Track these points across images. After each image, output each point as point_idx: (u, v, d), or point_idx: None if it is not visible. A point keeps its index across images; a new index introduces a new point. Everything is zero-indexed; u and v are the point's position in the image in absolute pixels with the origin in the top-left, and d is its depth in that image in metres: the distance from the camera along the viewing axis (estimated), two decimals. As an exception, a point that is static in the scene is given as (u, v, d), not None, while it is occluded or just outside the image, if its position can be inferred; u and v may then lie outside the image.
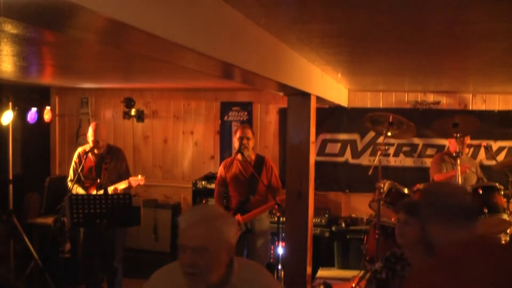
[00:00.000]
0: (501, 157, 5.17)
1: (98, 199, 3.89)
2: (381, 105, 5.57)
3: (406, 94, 5.53)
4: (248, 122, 5.75)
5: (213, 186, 4.91)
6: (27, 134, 5.79)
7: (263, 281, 1.91)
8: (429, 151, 5.40)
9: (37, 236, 5.27)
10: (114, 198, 3.94)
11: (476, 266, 1.48)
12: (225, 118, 5.94)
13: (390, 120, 4.19)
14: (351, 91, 5.62)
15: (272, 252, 4.90)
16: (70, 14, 1.15)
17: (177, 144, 6.13)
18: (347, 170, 5.63)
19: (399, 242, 2.42)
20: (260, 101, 5.83)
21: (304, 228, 3.68)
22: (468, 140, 4.52)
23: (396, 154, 5.51)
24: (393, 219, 4.05)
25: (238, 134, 4.38)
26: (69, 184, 4.50)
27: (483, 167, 5.03)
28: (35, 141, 6.10)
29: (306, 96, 3.60)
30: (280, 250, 4.18)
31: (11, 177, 4.93)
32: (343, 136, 5.64)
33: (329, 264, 5.22)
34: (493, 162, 4.79)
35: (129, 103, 5.86)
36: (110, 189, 4.34)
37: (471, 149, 5.09)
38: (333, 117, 5.61)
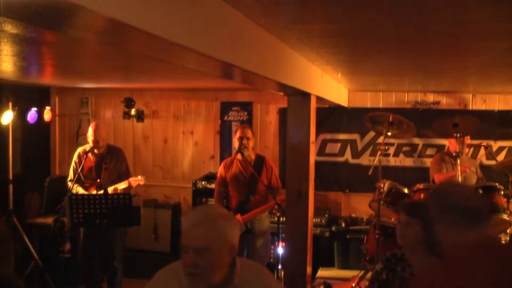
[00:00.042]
0: (501, 157, 5.17)
1: (98, 199, 3.89)
2: (381, 105, 5.57)
3: (406, 94, 5.53)
4: (248, 122, 5.75)
5: (213, 186, 4.91)
6: (27, 134, 5.79)
7: (264, 281, 1.91)
8: (429, 151, 5.40)
9: (37, 236, 5.27)
10: (114, 198, 3.94)
11: (478, 267, 1.48)
12: (225, 118, 5.94)
13: (390, 120, 4.19)
14: (351, 91, 5.62)
15: (272, 252, 4.90)
16: (70, 14, 1.15)
17: (177, 144, 6.12)
18: (347, 170, 5.62)
19: (400, 243, 2.41)
20: (260, 101, 5.83)
21: (304, 228, 3.68)
22: (468, 140, 4.51)
23: (396, 154, 5.51)
24: (393, 219, 4.05)
25: (238, 134, 4.38)
26: (69, 184, 4.50)
27: (483, 167, 5.03)
28: (35, 141, 6.10)
29: (306, 96, 3.60)
30: (280, 250, 4.19)
31: (11, 177, 4.93)
32: (343, 136, 5.64)
33: (329, 264, 5.21)
34: (493, 162, 4.79)
35: (129, 103, 5.86)
36: (110, 189, 4.33)
37: (471, 149, 5.08)
38: (333, 117, 5.60)
